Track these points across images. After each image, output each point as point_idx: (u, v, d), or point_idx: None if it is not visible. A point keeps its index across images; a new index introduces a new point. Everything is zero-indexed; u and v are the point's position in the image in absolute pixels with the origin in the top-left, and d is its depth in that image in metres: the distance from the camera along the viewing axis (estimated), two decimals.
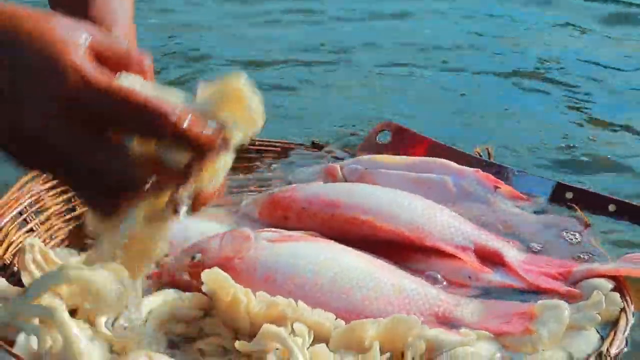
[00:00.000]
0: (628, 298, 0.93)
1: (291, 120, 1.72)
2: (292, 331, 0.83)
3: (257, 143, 1.36)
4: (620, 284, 0.96)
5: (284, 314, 0.84)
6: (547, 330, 0.86)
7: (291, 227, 1.06)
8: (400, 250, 1.04)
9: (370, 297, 0.91)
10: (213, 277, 0.87)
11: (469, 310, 0.93)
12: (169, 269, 0.96)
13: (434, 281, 1.00)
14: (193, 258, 0.95)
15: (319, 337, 0.84)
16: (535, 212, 1.16)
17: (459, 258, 1.02)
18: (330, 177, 1.25)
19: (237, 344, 0.82)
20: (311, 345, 0.82)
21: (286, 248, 0.96)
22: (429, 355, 0.84)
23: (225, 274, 0.87)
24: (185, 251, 0.97)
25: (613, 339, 0.83)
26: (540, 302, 0.91)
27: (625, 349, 0.86)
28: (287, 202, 1.13)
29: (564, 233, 1.10)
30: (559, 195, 1.20)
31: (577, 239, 1.08)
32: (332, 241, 1.00)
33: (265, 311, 0.85)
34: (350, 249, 0.99)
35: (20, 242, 1.02)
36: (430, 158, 1.27)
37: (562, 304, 0.89)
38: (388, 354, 0.81)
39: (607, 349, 0.80)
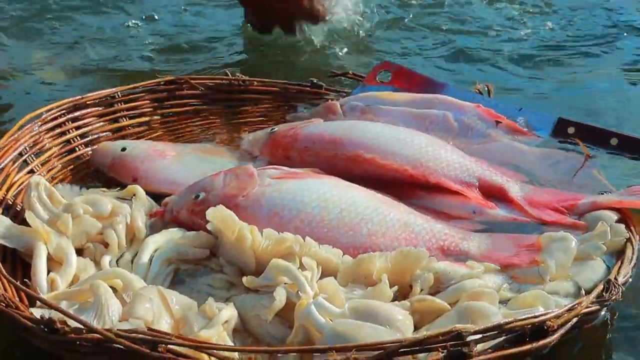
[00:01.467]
0: (632, 229, 0.93)
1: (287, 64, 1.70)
2: (301, 266, 0.82)
3: (255, 83, 1.35)
4: (625, 215, 0.96)
5: (291, 250, 0.84)
6: (554, 261, 0.87)
7: (293, 166, 1.05)
8: (404, 187, 1.03)
9: (377, 232, 0.91)
10: (218, 215, 0.87)
11: (476, 244, 0.93)
12: (172, 207, 0.95)
13: (439, 217, 0.99)
14: (197, 197, 0.94)
15: (327, 273, 0.84)
16: (538, 147, 1.16)
17: (463, 194, 1.01)
18: (330, 114, 1.23)
19: (244, 279, 0.82)
20: (319, 279, 0.82)
21: (292, 185, 0.94)
22: (436, 288, 0.84)
23: (229, 211, 0.87)
24: (188, 190, 0.96)
25: (620, 268, 0.84)
26: (545, 234, 0.91)
27: (630, 280, 0.86)
28: (289, 141, 1.11)
29: (567, 166, 1.09)
30: (560, 131, 1.19)
31: (579, 172, 1.08)
32: (337, 178, 0.99)
33: (273, 247, 0.84)
34: (355, 185, 0.98)
35: (22, 182, 1.02)
36: (431, 94, 1.25)
37: (569, 235, 0.89)
38: (395, 287, 0.81)
39: (615, 277, 0.80)
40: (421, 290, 0.83)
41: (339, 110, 1.23)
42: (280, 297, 0.76)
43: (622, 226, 0.92)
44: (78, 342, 0.69)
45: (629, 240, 0.90)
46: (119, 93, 1.25)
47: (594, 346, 0.87)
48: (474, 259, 0.91)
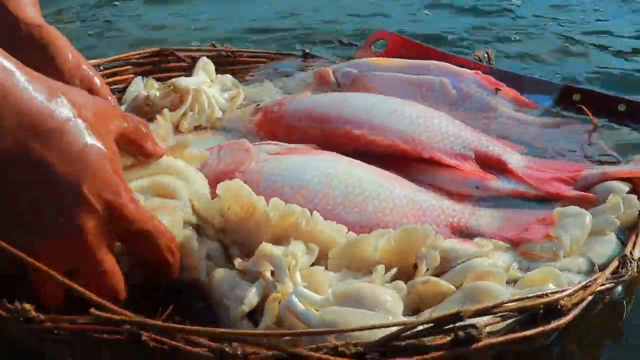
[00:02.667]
0: None
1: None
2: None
3: (244, 54, 1.29)
4: (636, 185, 0.91)
5: (297, 223, 0.77)
6: (569, 236, 0.81)
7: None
8: (402, 163, 0.97)
9: (384, 208, 0.85)
10: (228, 189, 0.79)
11: (486, 220, 0.88)
12: None
13: (441, 192, 0.94)
14: None
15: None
16: (540, 116, 1.11)
17: (460, 169, 0.96)
18: (322, 82, 1.18)
19: (236, 262, 0.76)
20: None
21: (291, 160, 0.89)
22: (443, 268, 0.78)
23: (241, 182, 0.79)
24: None
25: (636, 242, 0.78)
26: (558, 208, 0.86)
27: None
28: (275, 118, 1.06)
29: (571, 135, 1.05)
30: (565, 98, 1.14)
31: (585, 141, 1.03)
32: (337, 154, 0.94)
33: (279, 220, 0.78)
34: (357, 161, 0.93)
35: None
36: (428, 60, 1.20)
37: (584, 211, 0.84)
38: (394, 270, 0.75)
39: (631, 252, 0.75)
40: (427, 270, 0.77)
41: (332, 79, 1.18)
42: (249, 299, 0.71)
43: (635, 197, 0.87)
44: (55, 332, 0.64)
45: None
46: (101, 66, 1.19)
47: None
48: (485, 235, 0.86)
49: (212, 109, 1.11)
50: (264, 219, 0.77)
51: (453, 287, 0.74)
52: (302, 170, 0.87)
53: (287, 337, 0.64)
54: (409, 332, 0.61)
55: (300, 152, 0.92)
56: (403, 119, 1.00)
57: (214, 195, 0.80)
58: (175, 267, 0.74)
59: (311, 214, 0.79)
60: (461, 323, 0.62)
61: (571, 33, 1.68)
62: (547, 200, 0.93)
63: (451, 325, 0.62)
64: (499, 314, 0.64)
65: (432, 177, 0.96)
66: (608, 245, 0.81)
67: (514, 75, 1.20)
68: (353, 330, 0.62)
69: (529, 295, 0.66)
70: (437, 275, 0.77)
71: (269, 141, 0.97)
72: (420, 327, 0.62)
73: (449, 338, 0.62)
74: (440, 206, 0.88)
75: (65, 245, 0.65)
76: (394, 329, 0.61)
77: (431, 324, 0.62)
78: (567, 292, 0.67)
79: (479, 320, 0.63)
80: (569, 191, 0.92)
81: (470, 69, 1.17)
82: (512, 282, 0.77)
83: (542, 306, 0.65)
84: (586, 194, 0.91)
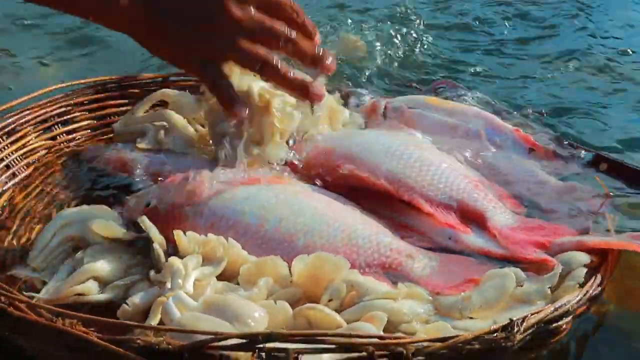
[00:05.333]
0: (600, 276, 0.81)
1: None
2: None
3: None
4: (606, 260, 0.84)
5: (214, 250, 0.83)
6: (481, 298, 0.79)
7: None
8: (386, 201, 0.97)
9: (316, 243, 0.86)
10: (145, 225, 0.86)
11: (421, 264, 0.87)
12: (128, 209, 0.95)
13: (413, 235, 0.93)
14: (147, 204, 0.94)
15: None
16: (563, 180, 1.05)
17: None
18: (371, 113, 1.20)
19: (150, 274, 0.82)
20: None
21: (237, 192, 0.92)
22: (352, 302, 0.78)
23: (149, 223, 0.86)
24: (142, 195, 0.97)
25: (540, 311, 0.73)
26: (491, 270, 0.82)
27: (565, 325, 0.75)
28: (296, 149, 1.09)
29: (579, 202, 0.98)
30: (594, 166, 1.07)
31: (590, 210, 0.96)
32: (295, 185, 0.97)
33: (201, 251, 0.83)
34: (309, 192, 0.95)
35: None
36: (475, 108, 1.19)
37: (510, 273, 0.80)
38: (290, 290, 0.78)
39: (524, 319, 0.69)
40: (329, 300, 0.78)
41: (380, 110, 1.19)
42: (132, 300, 0.78)
43: (583, 271, 0.80)
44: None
45: (581, 285, 0.78)
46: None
47: None
48: (413, 280, 0.85)
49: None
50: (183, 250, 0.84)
51: (341, 320, 0.74)
52: (241, 203, 0.90)
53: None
54: (218, 343, 0.63)
55: (253, 182, 0.95)
56: (398, 160, 0.99)
57: (163, 228, 0.87)
58: None
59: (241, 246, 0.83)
60: (274, 345, 0.63)
61: None
62: (516, 262, 0.88)
63: (262, 345, 0.63)
64: (321, 345, 0.64)
65: (410, 219, 0.96)
66: (522, 314, 0.74)
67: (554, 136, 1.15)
68: (169, 330, 0.66)
69: (360, 334, 0.65)
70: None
71: (232, 169, 0.98)
72: (232, 341, 0.63)
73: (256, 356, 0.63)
74: (377, 244, 0.88)
75: None
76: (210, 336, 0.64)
77: (243, 340, 0.63)
78: (413, 340, 0.65)
79: (294, 346, 0.63)
80: (532, 254, 0.87)
81: None
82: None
83: (373, 348, 0.64)
84: (546, 258, 0.86)
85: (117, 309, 0.78)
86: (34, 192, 1.04)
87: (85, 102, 1.18)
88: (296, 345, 0.63)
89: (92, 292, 0.82)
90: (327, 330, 0.73)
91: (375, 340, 0.65)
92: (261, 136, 1.02)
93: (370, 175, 0.98)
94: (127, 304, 0.78)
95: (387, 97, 1.24)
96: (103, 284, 0.83)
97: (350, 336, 0.65)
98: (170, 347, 0.64)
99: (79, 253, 0.86)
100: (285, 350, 0.63)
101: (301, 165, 1.03)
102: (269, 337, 0.63)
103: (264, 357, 0.63)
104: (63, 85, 1.18)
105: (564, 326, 0.76)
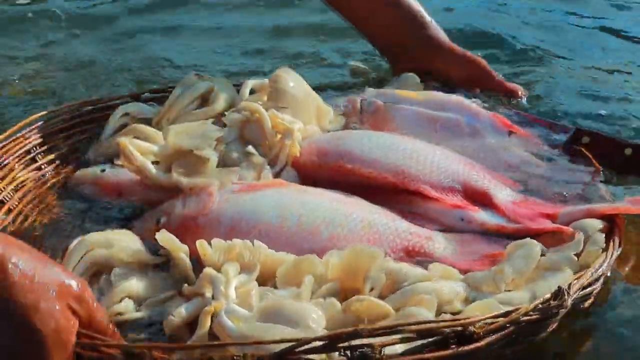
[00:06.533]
0: (617, 239, 0.86)
1: None
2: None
3: None
4: (616, 225, 0.89)
5: (241, 256, 0.83)
6: (512, 268, 0.81)
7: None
8: (391, 194, 1.00)
9: (339, 234, 0.89)
10: (165, 239, 0.85)
11: (441, 245, 0.91)
12: (136, 232, 0.93)
13: (427, 222, 0.96)
14: (158, 222, 0.94)
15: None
16: (547, 158, 1.10)
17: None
18: (351, 111, 1.22)
19: (184, 287, 0.81)
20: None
21: (249, 197, 0.93)
22: (392, 290, 0.80)
23: (169, 235, 0.85)
24: (151, 214, 0.97)
25: (579, 277, 0.77)
26: (514, 242, 0.86)
27: (597, 288, 0.80)
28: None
29: (571, 178, 1.04)
30: (576, 141, 1.13)
31: (584, 184, 1.02)
32: (298, 186, 0.99)
33: (224, 257, 0.83)
34: (315, 190, 0.97)
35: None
36: (449, 96, 1.23)
37: (533, 241, 0.84)
38: (330, 284, 0.79)
39: (569, 286, 0.74)
40: (371, 290, 0.80)
41: (357, 107, 1.22)
42: (179, 312, 0.77)
43: (602, 235, 0.86)
44: None
45: (604, 250, 0.84)
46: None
47: None
48: (439, 260, 0.87)
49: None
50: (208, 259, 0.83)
51: (389, 308, 0.76)
52: (257, 205, 0.91)
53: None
54: (303, 347, 0.64)
55: (259, 188, 0.96)
56: (396, 153, 1.03)
57: (181, 239, 0.86)
58: None
59: (267, 246, 0.83)
60: (358, 342, 0.65)
61: None
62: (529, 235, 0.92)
63: (346, 343, 0.64)
64: (401, 335, 0.66)
65: (420, 208, 0.99)
66: (559, 280, 0.79)
67: (528, 117, 1.20)
68: (253, 343, 0.66)
69: (434, 319, 0.67)
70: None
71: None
72: (316, 344, 0.65)
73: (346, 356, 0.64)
74: (397, 229, 0.91)
75: None
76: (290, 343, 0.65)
77: (326, 341, 0.65)
78: (479, 319, 0.68)
79: (377, 340, 0.65)
80: (547, 224, 0.92)
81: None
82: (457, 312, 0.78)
83: (448, 330, 0.67)
84: (560, 227, 0.91)
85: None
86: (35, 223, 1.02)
87: (63, 129, 1.17)
88: (379, 339, 0.65)
89: (130, 310, 0.81)
90: (376, 319, 0.75)
91: (449, 323, 0.67)
92: (257, 139, 1.04)
93: (373, 172, 1.01)
94: (173, 316, 0.77)
95: (357, 92, 1.27)
96: (137, 302, 0.82)
97: (428, 322, 0.67)
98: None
99: (104, 276, 0.85)
100: (370, 345, 0.65)
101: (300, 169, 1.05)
102: (354, 334, 0.64)
103: (349, 355, 0.64)
104: (38, 115, 1.16)
105: (596, 291, 0.81)
